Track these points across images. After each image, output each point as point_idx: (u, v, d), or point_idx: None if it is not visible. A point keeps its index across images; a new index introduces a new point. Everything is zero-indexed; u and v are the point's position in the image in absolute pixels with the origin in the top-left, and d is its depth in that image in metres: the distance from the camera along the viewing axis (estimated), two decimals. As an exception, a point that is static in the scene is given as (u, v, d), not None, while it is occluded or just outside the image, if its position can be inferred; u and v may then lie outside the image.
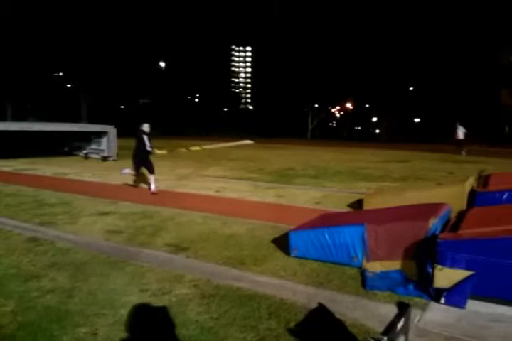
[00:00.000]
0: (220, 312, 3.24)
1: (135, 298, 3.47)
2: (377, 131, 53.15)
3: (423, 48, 38.21)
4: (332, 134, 52.29)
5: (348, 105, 51.62)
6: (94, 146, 16.31)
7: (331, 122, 63.48)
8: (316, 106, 50.61)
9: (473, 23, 34.02)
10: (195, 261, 4.42)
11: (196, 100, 63.26)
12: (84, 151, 16.54)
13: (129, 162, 8.72)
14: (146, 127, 8.41)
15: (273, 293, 3.57)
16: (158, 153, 16.45)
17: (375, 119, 54.20)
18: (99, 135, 15.72)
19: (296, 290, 3.66)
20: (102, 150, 15.67)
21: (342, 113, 57.38)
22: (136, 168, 8.47)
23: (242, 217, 6.30)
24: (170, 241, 5.10)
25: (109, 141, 15.47)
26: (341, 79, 43.12)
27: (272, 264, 4.31)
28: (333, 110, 56.56)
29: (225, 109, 68.73)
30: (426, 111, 42.95)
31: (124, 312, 3.21)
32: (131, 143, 8.63)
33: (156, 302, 3.42)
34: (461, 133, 20.42)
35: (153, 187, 8.47)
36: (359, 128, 59.27)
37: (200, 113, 57.42)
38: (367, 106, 51.34)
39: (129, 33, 40.33)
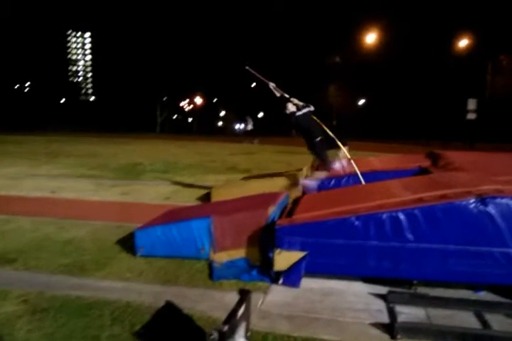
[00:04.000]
0: (56, 327, 2.91)
1: None
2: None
3: (264, 49, 40.86)
4: (183, 128, 52.04)
5: (197, 99, 52.09)
6: None
7: (183, 116, 63.16)
8: (165, 99, 49.67)
9: (305, 33, 37.75)
10: (24, 273, 3.88)
11: (27, 90, 55.92)
12: None
13: None
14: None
15: (117, 297, 3.36)
16: None
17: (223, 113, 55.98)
18: None
19: (142, 290, 3.51)
20: None
21: (191, 107, 57.63)
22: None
23: (82, 218, 5.79)
24: (-8, 253, 4.38)
25: None
26: (188, 71, 43.19)
27: (117, 267, 4.06)
28: (182, 104, 56.34)
29: (63, 101, 62.41)
30: (268, 107, 46.17)
31: None
32: None
33: (-27, 327, 2.89)
34: (250, 125, 25.72)
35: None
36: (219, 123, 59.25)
37: (32, 104, 50.91)
38: (215, 100, 52.67)
39: None
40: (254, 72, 6.26)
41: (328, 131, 5.90)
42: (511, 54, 30.87)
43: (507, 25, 29.57)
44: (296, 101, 5.93)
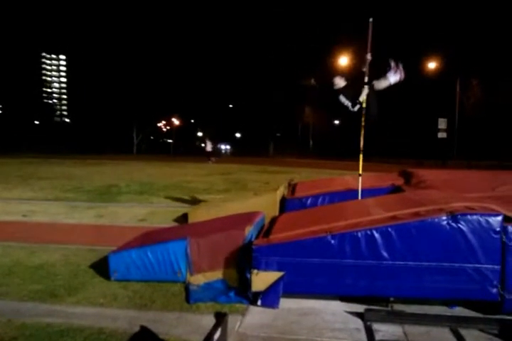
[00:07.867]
0: (24, 357, 2.79)
1: None
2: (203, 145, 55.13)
3: (240, 73, 41.54)
4: (160, 149, 51.66)
5: (174, 120, 52.08)
6: None
7: (161, 137, 63.01)
8: (141, 120, 49.45)
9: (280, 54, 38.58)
10: (-8, 301, 3.72)
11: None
12: None
13: None
14: None
15: (90, 324, 3.25)
16: None
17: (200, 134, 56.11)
18: None
19: (116, 316, 3.41)
20: None
21: (168, 128, 57.53)
22: None
23: (55, 242, 5.62)
24: (-43, 281, 4.19)
25: None
26: (164, 93, 43.32)
27: (90, 292, 3.93)
28: (159, 125, 56.23)
29: (37, 122, 61.38)
30: (245, 127, 46.61)
31: None
32: None
33: None
34: (209, 146, 27.74)
35: None
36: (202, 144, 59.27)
37: (5, 126, 49.93)
38: (192, 121, 52.85)
39: None
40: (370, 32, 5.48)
41: (361, 137, 5.40)
42: (480, 75, 32.34)
43: (475, 47, 31.13)
44: (365, 92, 5.21)
